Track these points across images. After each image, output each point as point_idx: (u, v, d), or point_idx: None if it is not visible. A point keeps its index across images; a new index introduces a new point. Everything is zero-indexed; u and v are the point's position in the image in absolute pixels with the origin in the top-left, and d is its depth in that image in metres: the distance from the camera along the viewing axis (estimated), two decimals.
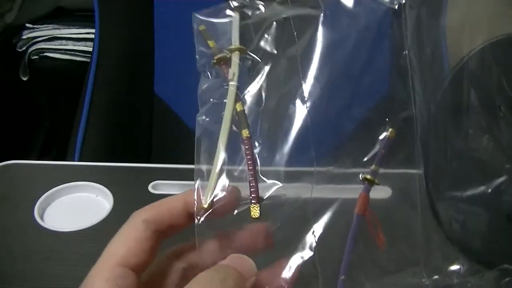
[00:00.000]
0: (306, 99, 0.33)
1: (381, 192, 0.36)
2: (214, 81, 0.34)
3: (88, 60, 0.91)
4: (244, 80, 0.33)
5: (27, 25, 1.16)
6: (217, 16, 0.35)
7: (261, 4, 0.35)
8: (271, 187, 0.31)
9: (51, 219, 0.57)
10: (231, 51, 0.34)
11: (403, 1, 0.34)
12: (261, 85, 0.33)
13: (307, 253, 0.31)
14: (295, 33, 0.34)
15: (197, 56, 0.34)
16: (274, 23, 0.34)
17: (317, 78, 0.34)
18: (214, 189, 0.30)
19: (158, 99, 0.93)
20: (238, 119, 0.32)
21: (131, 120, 0.92)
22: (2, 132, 1.13)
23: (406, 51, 0.34)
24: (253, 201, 0.31)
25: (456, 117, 0.33)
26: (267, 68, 0.34)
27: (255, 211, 0.30)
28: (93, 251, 0.47)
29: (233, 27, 0.34)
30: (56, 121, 1.24)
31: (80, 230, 0.55)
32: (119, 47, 0.92)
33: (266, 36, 0.34)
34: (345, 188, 0.34)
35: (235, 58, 0.33)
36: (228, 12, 0.35)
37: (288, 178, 0.32)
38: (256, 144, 0.32)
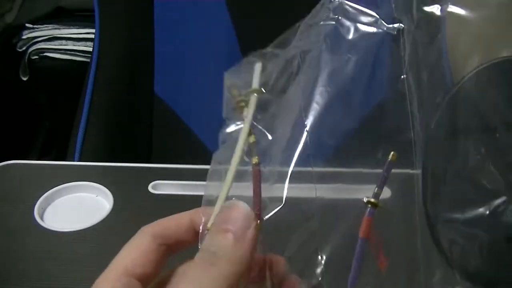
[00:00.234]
0: (307, 129, 0.34)
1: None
2: (235, 124, 0.35)
3: (88, 60, 0.91)
4: (258, 117, 0.35)
5: (27, 25, 1.16)
6: (241, 69, 0.37)
7: (279, 50, 0.36)
8: (273, 208, 0.31)
9: (51, 219, 0.57)
10: (249, 93, 0.35)
11: (402, 26, 0.34)
12: (270, 119, 0.35)
13: (315, 279, 0.32)
14: (300, 66, 0.35)
15: (223, 106, 0.36)
16: (286, 62, 0.36)
17: (318, 106, 0.35)
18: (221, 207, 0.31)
19: (158, 99, 0.93)
20: (250, 150, 0.33)
21: (131, 120, 0.93)
22: (2, 132, 1.13)
23: (404, 75, 0.34)
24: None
25: (454, 139, 0.34)
26: (276, 102, 0.35)
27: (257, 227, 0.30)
28: (93, 251, 0.47)
29: (255, 72, 0.36)
30: (56, 121, 1.24)
31: (80, 230, 0.55)
32: (119, 47, 0.92)
33: (279, 76, 0.36)
34: (349, 188, 0.35)
35: (252, 98, 0.35)
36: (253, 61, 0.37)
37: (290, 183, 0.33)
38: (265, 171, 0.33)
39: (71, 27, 1.16)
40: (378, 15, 0.35)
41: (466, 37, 0.38)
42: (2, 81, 1.17)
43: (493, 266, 0.34)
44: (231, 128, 0.35)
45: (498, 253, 0.34)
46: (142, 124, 0.93)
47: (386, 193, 0.37)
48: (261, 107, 0.35)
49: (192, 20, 0.92)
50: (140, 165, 0.66)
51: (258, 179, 0.32)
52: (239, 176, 0.32)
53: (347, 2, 0.36)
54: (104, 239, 0.54)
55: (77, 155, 0.79)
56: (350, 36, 0.35)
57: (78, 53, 1.13)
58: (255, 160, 0.32)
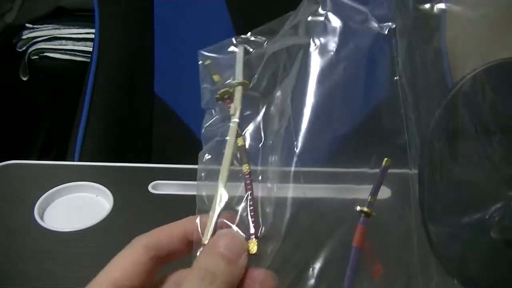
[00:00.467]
0: (297, 132, 0.34)
1: (381, 192, 0.36)
2: (217, 117, 0.35)
3: (88, 60, 0.91)
4: (246, 115, 0.34)
5: (27, 25, 1.16)
6: (221, 52, 0.36)
7: (263, 39, 0.36)
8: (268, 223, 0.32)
9: (51, 219, 0.57)
10: (234, 86, 0.34)
11: (393, 26, 0.34)
12: (260, 121, 0.34)
13: None
14: (287, 64, 0.35)
15: (202, 93, 0.35)
16: (271, 56, 0.35)
17: (308, 108, 0.34)
18: (214, 226, 0.31)
19: (158, 99, 0.93)
20: (239, 154, 0.33)
21: (131, 120, 0.92)
22: (2, 132, 1.13)
23: (397, 77, 0.34)
24: (252, 237, 0.31)
25: (451, 142, 0.33)
26: (265, 102, 0.35)
27: (253, 247, 0.30)
28: (93, 251, 0.47)
29: (237, 62, 0.35)
30: (56, 121, 1.24)
31: (80, 230, 0.55)
32: (119, 47, 0.92)
33: (264, 70, 0.35)
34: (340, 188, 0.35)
35: (238, 93, 0.34)
36: (232, 48, 0.36)
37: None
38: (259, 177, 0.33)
39: (71, 27, 1.16)
40: (370, 12, 0.34)
41: (465, 37, 0.37)
42: (2, 81, 1.17)
43: (491, 271, 0.34)
44: (215, 122, 0.34)
45: (497, 258, 0.34)
46: (142, 124, 0.93)
47: (386, 193, 0.37)
48: (246, 102, 0.34)
49: (192, 20, 0.92)
50: (140, 165, 0.66)
51: (252, 193, 0.32)
52: (231, 176, 0.32)
53: None
54: (104, 239, 0.54)
55: (77, 155, 0.79)
56: (339, 35, 0.35)
57: (78, 53, 1.13)
58: (246, 168, 0.32)
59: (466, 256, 0.33)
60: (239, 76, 0.35)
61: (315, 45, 0.34)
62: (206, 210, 0.32)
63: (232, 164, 0.32)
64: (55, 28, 1.16)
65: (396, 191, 0.35)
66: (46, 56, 1.13)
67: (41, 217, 0.57)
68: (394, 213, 0.35)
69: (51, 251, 0.53)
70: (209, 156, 0.33)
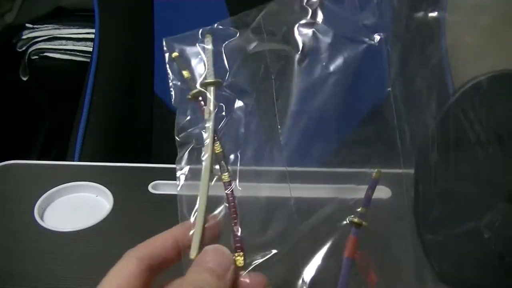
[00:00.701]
0: (283, 143, 0.33)
1: (381, 193, 0.36)
2: (190, 118, 0.33)
3: (88, 60, 0.91)
4: (221, 117, 0.33)
5: (27, 25, 1.16)
6: (189, 43, 0.34)
7: (234, 31, 0.34)
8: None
9: (51, 219, 0.57)
10: (206, 85, 0.33)
11: (382, 36, 0.34)
12: (238, 125, 0.33)
13: None
14: (271, 72, 0.34)
15: (171, 89, 0.34)
16: (249, 56, 0.34)
17: (294, 119, 0.34)
18: (200, 241, 0.31)
19: (158, 99, 0.93)
20: (217, 162, 0.32)
21: (131, 120, 0.92)
22: (2, 132, 1.13)
23: (390, 88, 0.34)
24: (237, 250, 0.31)
25: (446, 153, 0.33)
26: (243, 106, 0.34)
27: (240, 260, 0.31)
28: (93, 251, 0.47)
29: (207, 58, 0.33)
30: (56, 121, 1.24)
31: (80, 230, 0.55)
32: (119, 47, 0.92)
33: (240, 69, 0.34)
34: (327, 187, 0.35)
35: (210, 95, 0.33)
36: (201, 39, 0.34)
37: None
38: (238, 186, 0.33)
39: (71, 27, 1.16)
40: (360, 22, 0.34)
41: (463, 45, 0.37)
42: (2, 81, 1.17)
43: (485, 281, 0.34)
44: (189, 124, 0.33)
45: (490, 269, 0.34)
46: (142, 124, 0.93)
47: (386, 193, 0.37)
48: (219, 100, 0.33)
49: (192, 20, 0.92)
50: (140, 165, 0.66)
51: (234, 204, 0.32)
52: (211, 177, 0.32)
53: (327, 4, 0.34)
54: (104, 239, 0.54)
55: (77, 155, 0.79)
56: (330, 44, 0.34)
57: (78, 53, 1.13)
58: (226, 177, 0.32)
59: (460, 265, 0.34)
60: (210, 74, 0.33)
61: (304, 55, 0.34)
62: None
63: (211, 173, 0.32)
64: (55, 28, 1.16)
65: (396, 191, 0.35)
66: (46, 56, 1.13)
67: (41, 217, 0.57)
68: (393, 214, 0.35)
69: (51, 251, 0.53)
70: (187, 167, 0.33)
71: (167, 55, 0.34)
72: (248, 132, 0.34)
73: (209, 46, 0.34)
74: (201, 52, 0.34)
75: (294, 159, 0.34)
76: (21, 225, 0.56)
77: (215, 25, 0.34)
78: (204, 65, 0.34)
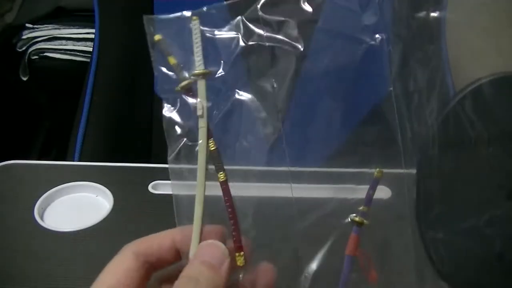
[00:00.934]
0: (283, 140, 0.33)
1: (381, 192, 0.36)
2: (180, 111, 0.31)
3: (88, 60, 0.91)
4: (212, 110, 0.31)
5: (27, 25, 1.16)
6: (175, 26, 0.31)
7: (227, 16, 0.32)
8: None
9: (51, 219, 0.57)
10: (196, 76, 0.30)
11: (383, 37, 0.33)
12: (233, 121, 0.32)
13: None
14: (272, 69, 0.33)
15: (156, 75, 0.31)
16: (247, 48, 0.32)
17: (294, 117, 0.34)
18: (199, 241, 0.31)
19: (158, 99, 0.93)
20: (212, 160, 0.31)
21: (131, 120, 0.92)
22: (2, 132, 1.13)
23: (391, 87, 0.34)
24: (238, 250, 0.31)
25: (449, 152, 0.33)
26: (238, 100, 0.33)
27: (240, 260, 0.31)
28: (93, 251, 0.47)
29: (195, 45, 0.30)
30: (56, 121, 1.24)
31: (80, 230, 0.55)
32: (119, 47, 0.92)
33: (236, 61, 0.32)
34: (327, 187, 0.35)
35: (201, 88, 0.30)
36: (191, 23, 0.31)
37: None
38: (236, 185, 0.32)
39: (71, 27, 1.16)
40: (362, 21, 0.34)
41: (464, 44, 0.38)
42: (2, 81, 1.17)
43: (484, 280, 0.34)
44: (175, 116, 0.32)
45: (490, 268, 0.34)
46: (142, 124, 0.93)
47: (386, 193, 0.37)
48: (210, 92, 0.31)
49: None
50: (140, 165, 0.66)
51: (231, 204, 0.31)
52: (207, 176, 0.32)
53: (329, 1, 0.33)
54: (104, 239, 0.54)
55: (77, 155, 0.79)
56: (332, 42, 0.34)
57: (78, 53, 1.13)
58: (221, 176, 0.31)
59: (460, 264, 0.34)
60: (200, 64, 0.30)
61: (306, 52, 0.33)
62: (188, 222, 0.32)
63: (206, 172, 0.32)
64: (55, 28, 1.16)
65: (396, 191, 0.35)
66: (46, 56, 1.13)
67: (41, 217, 0.57)
68: (393, 214, 0.35)
69: (51, 251, 0.53)
70: (181, 165, 0.32)
71: (148, 36, 0.31)
72: (244, 129, 0.33)
73: (197, 31, 0.30)
74: (189, 37, 0.31)
75: (294, 158, 0.34)
76: (21, 225, 0.56)
77: (205, 8, 0.31)
78: (192, 51, 0.31)
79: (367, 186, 0.33)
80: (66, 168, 0.67)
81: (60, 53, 1.14)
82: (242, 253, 0.31)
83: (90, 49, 0.96)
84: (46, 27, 1.16)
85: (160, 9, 0.92)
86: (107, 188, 0.60)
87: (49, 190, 0.60)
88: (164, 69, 0.31)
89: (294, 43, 0.32)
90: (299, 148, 0.34)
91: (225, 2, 0.31)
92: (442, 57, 0.35)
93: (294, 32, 0.33)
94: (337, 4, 0.34)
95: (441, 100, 0.33)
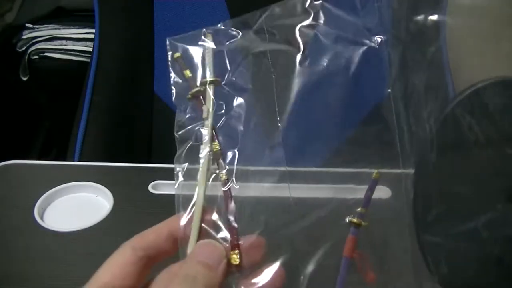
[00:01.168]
0: (283, 141, 0.34)
1: (381, 192, 0.36)
2: (190, 116, 0.34)
3: (88, 60, 0.91)
4: (220, 115, 0.34)
5: (27, 25, 1.16)
6: (192, 43, 0.35)
7: (236, 31, 0.35)
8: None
9: (51, 219, 0.57)
10: (205, 84, 0.34)
11: (385, 37, 0.34)
12: (237, 123, 0.34)
13: None
14: (272, 71, 0.34)
15: (172, 87, 0.34)
16: (251, 55, 0.34)
17: (294, 119, 0.34)
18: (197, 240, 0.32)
19: (158, 99, 0.93)
20: (215, 161, 0.33)
21: (131, 120, 0.93)
22: (2, 132, 1.13)
23: (390, 89, 0.34)
24: (234, 249, 0.32)
25: (447, 154, 0.33)
26: (242, 104, 0.34)
27: (235, 258, 0.31)
28: (93, 251, 0.47)
29: (207, 58, 0.34)
30: (56, 121, 1.24)
31: (80, 230, 0.55)
32: (119, 47, 0.92)
33: (241, 68, 0.34)
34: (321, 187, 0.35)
35: (209, 93, 0.33)
36: (203, 40, 0.35)
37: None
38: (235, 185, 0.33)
39: (71, 27, 1.15)
40: (361, 24, 0.34)
41: (463, 48, 0.38)
42: (2, 81, 1.17)
43: (481, 286, 0.34)
44: (188, 122, 0.34)
45: (487, 273, 0.34)
46: (142, 124, 0.93)
47: (386, 193, 0.37)
48: (218, 99, 0.34)
49: (192, 20, 0.92)
50: (140, 165, 0.66)
51: (230, 204, 0.32)
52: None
53: (328, 6, 0.34)
54: (104, 239, 0.54)
55: (77, 155, 0.80)
56: (331, 46, 0.34)
57: (78, 53, 1.13)
58: (223, 176, 0.32)
59: (457, 267, 0.34)
60: (210, 73, 0.34)
61: (305, 56, 0.34)
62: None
63: (209, 172, 0.32)
64: (55, 28, 1.16)
65: (396, 191, 0.35)
66: (46, 56, 1.13)
67: (41, 217, 0.57)
68: (392, 215, 0.35)
69: (51, 251, 0.53)
70: (185, 165, 0.33)
71: (170, 54, 0.35)
72: (247, 131, 0.34)
73: (210, 45, 0.34)
74: (203, 52, 0.34)
75: (293, 159, 0.34)
76: (21, 225, 0.56)
77: (218, 25, 0.35)
78: (204, 64, 0.34)
79: (366, 186, 0.33)
80: (66, 168, 0.67)
81: (60, 53, 1.13)
82: (237, 251, 0.31)
83: (90, 49, 0.96)
84: (46, 27, 1.16)
85: (160, 9, 0.92)
86: (107, 188, 0.60)
87: (49, 190, 0.60)
88: (179, 81, 0.35)
89: (295, 48, 0.34)
90: (298, 150, 0.34)
91: (233, 19, 0.35)
92: (443, 59, 0.35)
93: (296, 37, 0.34)
94: (337, 8, 0.34)
95: (440, 103, 0.33)
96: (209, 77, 0.34)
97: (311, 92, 0.34)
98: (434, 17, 0.34)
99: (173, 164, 0.33)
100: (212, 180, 0.33)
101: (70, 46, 1.14)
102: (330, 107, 0.35)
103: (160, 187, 0.62)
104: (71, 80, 0.95)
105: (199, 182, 0.32)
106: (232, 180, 0.33)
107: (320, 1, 0.34)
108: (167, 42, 0.35)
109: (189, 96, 0.34)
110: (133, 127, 0.93)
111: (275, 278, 0.31)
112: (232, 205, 0.32)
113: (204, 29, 0.35)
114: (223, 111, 0.34)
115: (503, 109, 0.33)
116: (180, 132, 0.34)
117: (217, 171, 0.33)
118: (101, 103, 0.86)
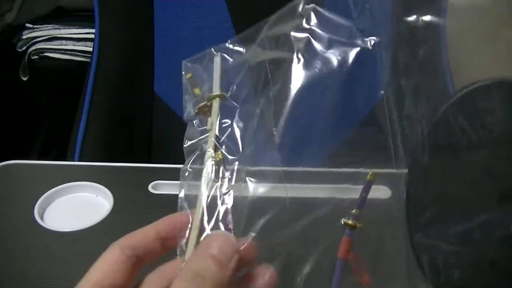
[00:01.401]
0: (279, 145, 0.34)
1: (380, 192, 0.36)
2: (197, 130, 0.35)
3: (88, 60, 0.91)
4: (224, 126, 0.35)
5: (27, 25, 1.16)
6: (202, 62, 0.36)
7: (242, 47, 0.36)
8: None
9: (51, 219, 0.57)
10: (211, 98, 0.35)
11: (378, 40, 0.34)
12: (238, 132, 0.35)
13: None
14: (269, 76, 0.35)
15: (184, 106, 0.36)
16: (251, 67, 0.35)
17: (291, 122, 0.34)
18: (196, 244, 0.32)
19: (158, 99, 0.93)
20: (218, 169, 0.33)
21: (131, 120, 0.93)
22: (2, 132, 1.13)
23: (383, 91, 0.34)
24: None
25: (439, 155, 0.33)
26: (244, 114, 0.35)
27: None
28: (93, 251, 0.47)
29: (215, 74, 0.36)
30: (56, 121, 1.24)
31: (80, 230, 0.55)
32: (119, 47, 0.92)
33: (244, 80, 0.35)
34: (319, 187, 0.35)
35: (215, 106, 0.35)
36: (213, 57, 0.37)
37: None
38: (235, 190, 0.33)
39: (71, 27, 1.15)
40: (354, 26, 0.34)
41: (460, 49, 0.38)
42: (2, 81, 1.17)
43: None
44: (195, 135, 0.35)
45: (481, 275, 0.34)
46: (142, 124, 0.93)
47: (386, 193, 0.37)
48: (225, 112, 0.35)
49: (192, 20, 0.92)
50: (140, 165, 0.66)
51: (229, 210, 0.32)
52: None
53: (321, 10, 0.35)
54: (104, 239, 0.53)
55: (77, 155, 0.80)
56: (324, 50, 0.35)
57: (78, 53, 1.13)
58: (225, 186, 0.33)
59: (450, 269, 0.33)
60: (216, 88, 0.35)
61: (299, 60, 0.35)
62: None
63: (210, 186, 0.33)
64: (55, 28, 1.16)
65: (396, 191, 0.35)
66: (46, 56, 1.13)
67: (41, 217, 0.57)
68: (391, 215, 0.35)
69: (51, 251, 0.53)
70: (191, 172, 0.34)
71: (183, 75, 0.37)
72: (247, 139, 0.34)
73: (218, 61, 0.36)
74: (211, 69, 0.36)
75: (290, 161, 0.34)
76: (21, 225, 0.56)
77: (227, 43, 0.37)
78: (212, 80, 0.36)
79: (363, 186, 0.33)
80: (66, 168, 0.67)
81: (60, 53, 1.13)
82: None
83: (90, 49, 0.96)
84: (46, 27, 1.16)
85: (160, 9, 0.92)
86: (107, 188, 0.60)
87: (49, 190, 0.60)
88: (189, 98, 0.36)
89: (291, 53, 0.35)
90: (295, 153, 0.35)
91: (240, 34, 0.36)
92: (442, 60, 0.35)
93: (290, 42, 0.35)
94: (329, 11, 0.34)
95: (433, 105, 0.33)
96: (214, 91, 0.35)
97: (307, 96, 0.35)
98: (428, 17, 0.34)
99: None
100: (214, 188, 0.33)
101: (70, 46, 1.14)
102: (325, 110, 0.36)
103: (160, 187, 0.62)
104: (71, 80, 0.95)
105: (199, 192, 0.33)
106: (232, 185, 0.33)
107: (312, 5, 0.35)
108: (182, 65, 0.37)
109: (196, 110, 0.35)
110: (133, 127, 0.93)
111: (267, 280, 0.31)
112: (230, 208, 0.32)
113: (212, 49, 0.36)
114: (228, 123, 0.35)
115: (496, 111, 0.33)
116: (187, 144, 0.35)
117: (219, 178, 0.33)
118: (101, 103, 0.86)
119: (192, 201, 0.33)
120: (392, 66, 0.34)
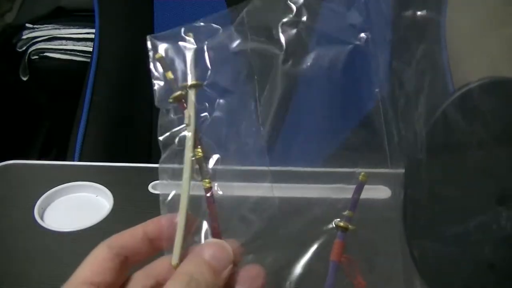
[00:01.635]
0: (265, 144, 0.33)
1: (380, 192, 0.36)
2: (172, 119, 0.33)
3: (88, 60, 0.91)
4: (203, 116, 0.33)
5: (27, 25, 1.16)
6: (173, 41, 0.33)
7: (216, 27, 0.34)
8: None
9: (51, 219, 0.57)
10: (187, 87, 0.33)
11: (368, 36, 0.33)
12: (220, 127, 0.33)
13: None
14: (254, 73, 0.33)
15: (155, 89, 0.33)
16: (232, 54, 0.33)
17: (276, 122, 0.34)
18: (182, 248, 0.31)
19: None
20: (199, 166, 0.32)
21: (131, 120, 0.93)
22: (2, 132, 1.13)
23: (378, 89, 0.33)
24: None
25: (437, 157, 0.33)
26: (225, 106, 0.33)
27: None
28: None
29: (188, 60, 0.33)
30: (56, 121, 1.24)
31: (80, 230, 0.55)
32: (119, 47, 0.92)
33: (223, 68, 0.33)
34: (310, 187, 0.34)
35: (191, 97, 0.32)
36: (184, 37, 0.34)
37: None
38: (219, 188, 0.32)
39: (71, 27, 1.16)
40: (347, 21, 0.33)
41: (463, 45, 0.37)
42: (2, 81, 1.17)
43: None
44: (170, 125, 0.33)
45: (479, 277, 0.33)
46: (142, 124, 0.93)
47: (386, 193, 0.37)
48: (201, 101, 0.33)
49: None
50: (140, 165, 0.66)
51: (214, 210, 0.32)
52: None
53: (312, 1, 0.33)
54: (104, 239, 0.54)
55: (77, 155, 0.80)
56: (315, 44, 0.33)
57: (78, 53, 1.13)
58: (206, 183, 0.32)
59: (448, 273, 0.33)
60: (191, 76, 0.33)
61: (289, 54, 0.33)
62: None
63: (191, 180, 0.32)
64: (55, 28, 1.16)
65: (396, 191, 0.35)
66: (46, 56, 1.13)
67: (41, 217, 0.57)
68: (389, 216, 0.35)
69: (51, 251, 0.53)
70: (169, 168, 0.33)
71: (151, 54, 0.34)
72: (230, 134, 0.33)
73: (191, 46, 0.33)
74: (184, 51, 0.33)
75: (277, 160, 0.33)
76: (21, 225, 0.56)
77: (197, 22, 0.34)
78: (185, 65, 0.33)
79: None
80: (66, 168, 0.67)
81: (60, 53, 1.14)
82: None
83: (90, 49, 0.96)
84: (46, 27, 1.16)
85: (160, 9, 0.92)
86: (107, 188, 0.60)
87: (49, 190, 0.60)
88: (161, 83, 0.33)
89: (277, 47, 0.33)
90: (289, 156, 0.34)
91: (214, 14, 0.34)
92: (442, 59, 0.35)
93: (278, 35, 0.33)
94: (321, 4, 0.33)
95: (430, 105, 0.33)
96: (190, 80, 0.33)
97: (295, 94, 0.34)
98: (426, 14, 0.34)
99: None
100: (196, 187, 0.32)
101: (70, 46, 1.14)
102: (315, 110, 0.35)
103: (160, 187, 0.62)
104: (71, 80, 0.95)
105: (182, 190, 0.32)
106: (215, 185, 0.32)
107: None
108: (148, 41, 0.33)
109: (171, 100, 0.33)
110: (133, 127, 0.93)
111: (255, 280, 0.31)
112: (215, 211, 0.32)
113: (183, 28, 0.33)
114: (206, 113, 0.33)
115: (493, 110, 0.32)
116: (163, 136, 0.34)
117: (200, 178, 0.32)
118: (101, 103, 0.86)
119: (175, 202, 0.32)
120: (388, 64, 0.34)
